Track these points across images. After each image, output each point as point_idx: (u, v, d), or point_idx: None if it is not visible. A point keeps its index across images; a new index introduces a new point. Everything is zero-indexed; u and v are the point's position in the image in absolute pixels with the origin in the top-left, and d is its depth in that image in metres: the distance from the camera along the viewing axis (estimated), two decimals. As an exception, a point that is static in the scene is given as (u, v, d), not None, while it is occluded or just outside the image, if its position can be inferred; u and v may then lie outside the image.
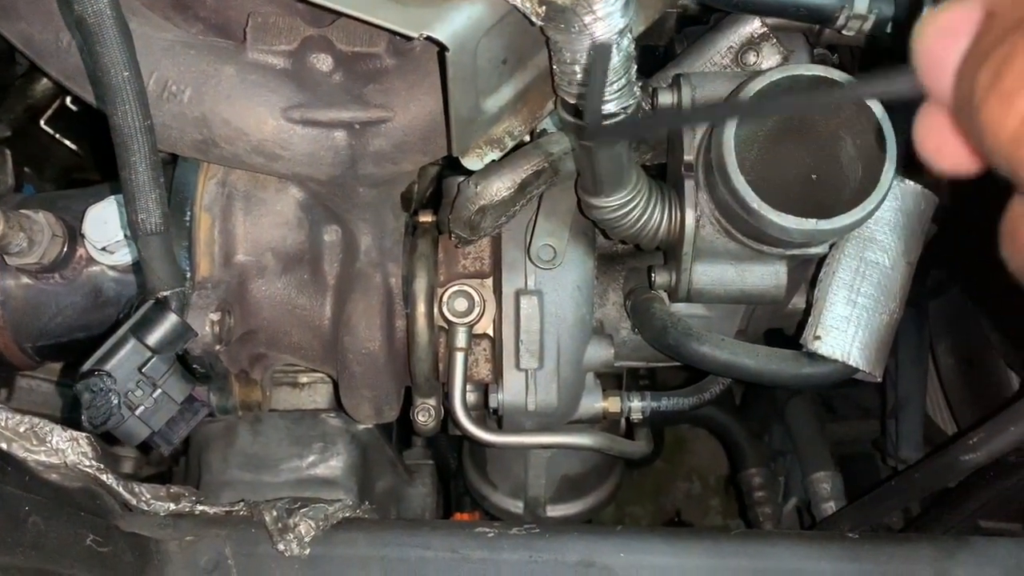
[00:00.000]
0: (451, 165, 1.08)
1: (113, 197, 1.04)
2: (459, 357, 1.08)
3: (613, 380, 1.29)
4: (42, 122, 1.34)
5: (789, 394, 1.63)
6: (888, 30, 0.93)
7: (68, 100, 1.34)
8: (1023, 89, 0.35)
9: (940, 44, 0.39)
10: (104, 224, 1.01)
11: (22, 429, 0.91)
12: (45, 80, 1.28)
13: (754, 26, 1.02)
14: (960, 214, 1.02)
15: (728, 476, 2.53)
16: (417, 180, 1.22)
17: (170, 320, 0.82)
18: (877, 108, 0.88)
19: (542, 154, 1.02)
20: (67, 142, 1.39)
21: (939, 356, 1.45)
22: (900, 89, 0.41)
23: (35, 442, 0.93)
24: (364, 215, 1.06)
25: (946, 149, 0.41)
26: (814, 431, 1.59)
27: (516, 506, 1.40)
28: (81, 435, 0.94)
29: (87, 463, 0.94)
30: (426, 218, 1.17)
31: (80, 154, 1.42)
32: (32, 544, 0.76)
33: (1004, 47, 0.36)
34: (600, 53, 0.68)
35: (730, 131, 0.88)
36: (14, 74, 1.30)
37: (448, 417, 1.18)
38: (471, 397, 1.14)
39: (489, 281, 1.12)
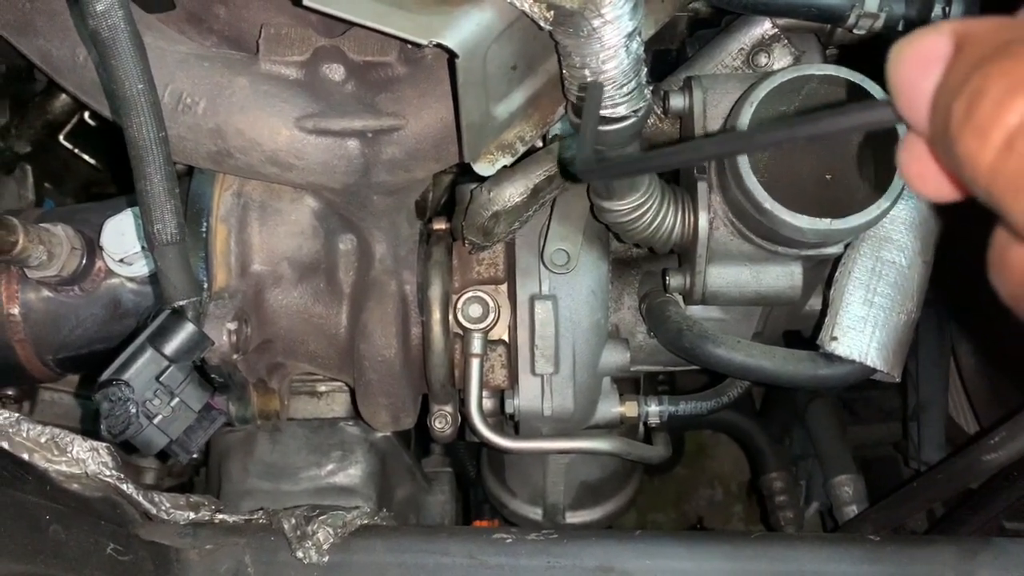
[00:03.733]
0: (465, 172, 1.08)
1: (130, 209, 1.05)
2: (475, 363, 1.08)
3: (631, 385, 1.28)
4: (61, 137, 1.36)
5: (809, 397, 1.62)
6: (900, 28, 0.92)
7: (86, 115, 1.36)
8: (997, 122, 0.34)
9: (913, 74, 0.39)
10: (121, 236, 1.02)
11: (43, 439, 0.92)
12: (63, 96, 1.30)
13: (765, 27, 1.01)
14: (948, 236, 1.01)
15: (749, 482, 2.53)
16: (431, 188, 1.23)
17: (187, 329, 0.83)
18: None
19: (554, 159, 1.02)
20: (86, 157, 1.41)
21: (960, 357, 1.43)
22: (880, 118, 0.41)
23: (56, 452, 0.94)
24: (379, 223, 1.07)
25: (929, 176, 0.41)
26: (835, 434, 1.58)
27: (535, 513, 1.40)
28: (101, 445, 0.95)
29: (107, 472, 0.95)
30: (440, 225, 1.17)
31: (99, 168, 1.44)
32: (53, 552, 0.77)
33: (975, 80, 0.36)
34: (592, 92, 0.68)
35: (742, 131, 0.88)
36: (33, 90, 1.32)
37: (465, 424, 1.19)
38: (487, 403, 1.14)
39: (504, 287, 1.12)
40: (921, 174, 0.42)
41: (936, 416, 1.39)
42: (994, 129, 0.35)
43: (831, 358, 0.97)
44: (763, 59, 1.02)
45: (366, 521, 1.00)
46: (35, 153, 1.33)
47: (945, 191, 0.41)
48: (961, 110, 0.36)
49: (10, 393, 1.38)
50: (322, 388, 1.28)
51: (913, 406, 1.42)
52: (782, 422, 1.75)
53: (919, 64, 0.38)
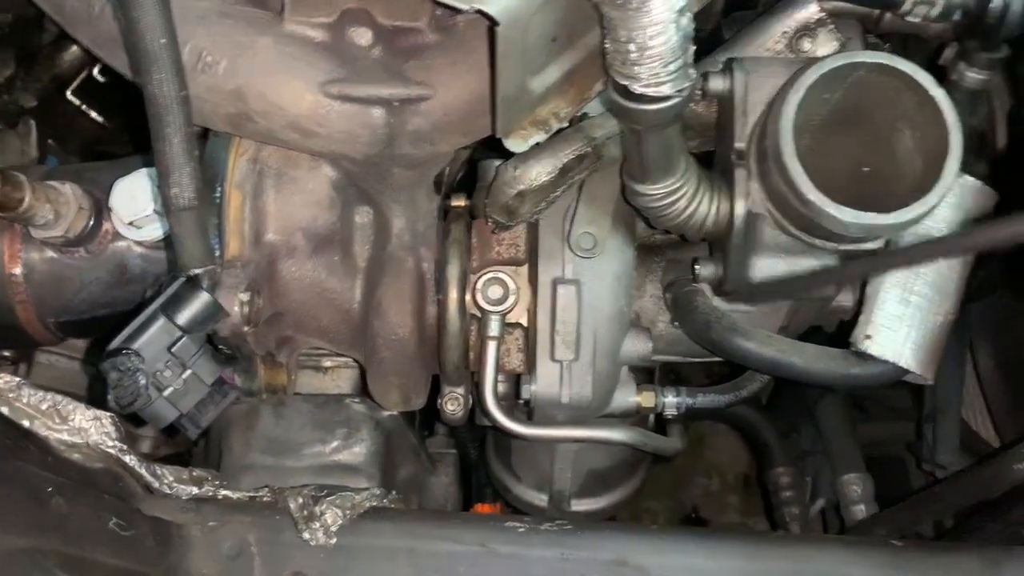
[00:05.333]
0: (484, 147, 1.04)
1: (142, 170, 1.01)
2: (491, 346, 1.05)
3: (645, 374, 1.25)
4: (69, 93, 1.31)
5: (820, 393, 1.59)
6: (957, 17, 0.89)
7: (96, 70, 1.31)
8: None
9: None
10: (132, 198, 0.98)
11: (44, 407, 0.89)
12: (74, 49, 1.25)
13: (811, 11, 0.98)
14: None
15: (746, 473, 2.51)
16: (449, 162, 1.19)
17: (202, 299, 0.79)
18: (943, 101, 0.84)
19: (584, 138, 0.98)
20: (93, 114, 1.36)
21: (979, 359, 1.40)
22: None
23: (57, 420, 0.90)
24: (398, 197, 1.03)
25: None
26: (846, 431, 1.55)
27: (540, 499, 1.37)
28: (104, 414, 0.91)
29: (110, 443, 0.91)
30: (459, 202, 1.13)
31: (106, 126, 1.40)
32: (55, 527, 0.73)
33: None
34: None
35: (788, 117, 0.84)
36: (41, 42, 1.27)
37: (476, 407, 1.15)
38: (500, 387, 1.10)
39: (524, 269, 1.08)
40: None
41: (952, 419, 1.36)
42: None
43: (863, 357, 0.94)
44: (807, 44, 0.98)
45: (375, 503, 0.97)
46: (41, 108, 1.29)
47: None
48: None
49: (6, 355, 1.34)
50: (327, 363, 1.25)
51: (930, 407, 1.39)
52: (790, 416, 1.72)
53: None
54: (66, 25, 0.93)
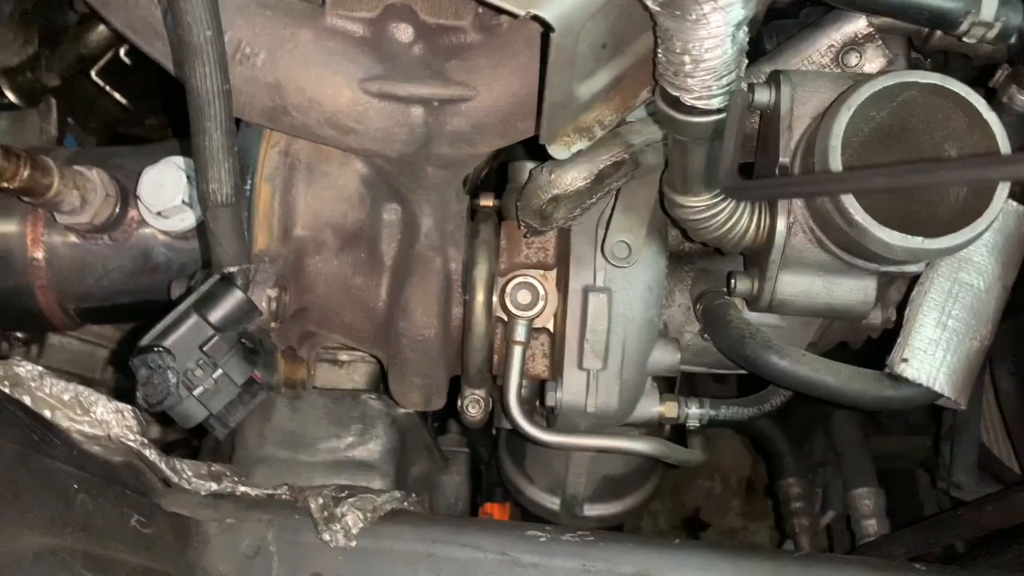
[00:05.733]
0: (524, 147, 1.02)
1: (170, 159, 0.99)
2: (517, 351, 1.04)
3: (665, 384, 1.24)
4: (93, 73, 1.29)
5: (835, 405, 1.58)
6: (1013, 40, 0.87)
7: (123, 52, 1.28)
8: None
9: None
10: (160, 187, 0.96)
11: (66, 397, 0.87)
12: (101, 29, 1.23)
13: (860, 25, 0.96)
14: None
15: (748, 478, 2.51)
16: (479, 161, 1.17)
17: (236, 297, 0.78)
18: (995, 124, 0.83)
19: (622, 145, 0.97)
20: (117, 95, 1.34)
21: (999, 379, 1.39)
22: None
23: (79, 412, 0.88)
24: (428, 196, 1.01)
25: None
26: (859, 445, 1.55)
27: (552, 502, 1.36)
28: (126, 407, 0.90)
29: (131, 437, 0.90)
30: (487, 202, 1.12)
31: (127, 108, 1.37)
32: (81, 525, 0.72)
33: None
34: (736, 101, 0.62)
35: (838, 135, 0.82)
36: (67, 21, 1.24)
37: (495, 411, 1.14)
38: (524, 392, 1.09)
39: (552, 274, 1.07)
40: None
41: (971, 439, 1.35)
42: None
43: (898, 379, 0.93)
44: (854, 59, 0.97)
45: (395, 506, 0.96)
46: (63, 87, 1.26)
47: None
48: None
49: (19, 336, 1.32)
50: (344, 357, 1.23)
51: (948, 426, 1.39)
52: (803, 426, 1.72)
53: None
54: (101, 8, 0.91)
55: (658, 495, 2.50)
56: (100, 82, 1.29)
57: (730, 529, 2.45)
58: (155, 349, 0.75)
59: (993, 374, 1.42)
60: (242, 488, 0.97)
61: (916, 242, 0.81)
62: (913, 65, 1.05)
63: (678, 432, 1.34)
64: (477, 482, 1.67)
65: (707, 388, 1.74)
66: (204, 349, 0.77)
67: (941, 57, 1.10)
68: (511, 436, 1.42)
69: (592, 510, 1.36)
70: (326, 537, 0.91)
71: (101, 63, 1.28)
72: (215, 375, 0.77)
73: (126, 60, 1.28)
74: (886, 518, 1.47)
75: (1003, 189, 0.83)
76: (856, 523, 1.49)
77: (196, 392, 0.77)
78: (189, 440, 1.54)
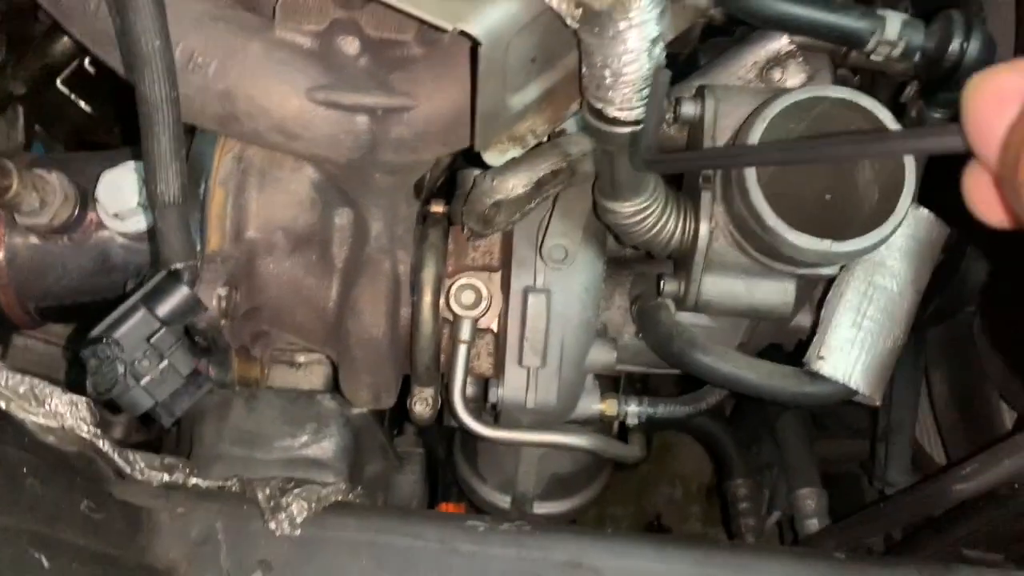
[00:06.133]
0: (465, 156, 1.08)
1: (128, 163, 1.03)
2: (462, 349, 1.08)
3: (610, 383, 1.29)
4: (59, 81, 1.33)
5: (781, 408, 1.64)
6: (916, 59, 0.93)
7: (87, 61, 1.33)
8: None
9: (988, 110, 0.38)
10: (118, 190, 1.01)
11: (21, 390, 0.91)
12: (66, 39, 1.27)
13: (781, 43, 1.02)
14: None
15: (709, 485, 2.56)
16: (430, 169, 1.22)
17: (182, 292, 0.82)
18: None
19: (560, 154, 1.02)
20: (81, 103, 1.38)
21: (933, 384, 1.45)
22: (948, 145, 0.41)
23: (34, 403, 0.92)
24: (378, 201, 1.06)
25: (993, 206, 0.41)
26: (803, 447, 1.60)
27: (504, 500, 1.41)
28: (81, 399, 0.94)
29: (85, 428, 0.93)
30: (438, 208, 1.17)
31: (93, 116, 1.41)
32: (29, 506, 0.76)
33: None
34: (658, 79, 0.67)
35: (753, 144, 0.88)
36: (34, 30, 1.29)
37: (444, 408, 1.19)
38: (469, 390, 1.14)
39: (497, 276, 1.12)
40: (986, 202, 0.41)
41: (904, 440, 1.41)
42: None
43: (815, 376, 0.98)
44: (777, 74, 1.03)
45: (340, 498, 1.00)
46: (29, 95, 1.30)
47: (1010, 222, 0.41)
48: None
49: (-15, 338, 1.36)
50: (301, 359, 1.27)
51: (883, 427, 1.44)
52: (751, 430, 1.77)
53: (994, 100, 0.38)
54: (61, 19, 0.96)
55: (621, 501, 2.56)
56: (65, 90, 1.34)
57: (690, 534, 2.50)
58: (104, 340, 0.79)
59: (928, 379, 1.48)
60: (193, 480, 1.00)
61: (825, 245, 0.87)
62: (841, 81, 1.11)
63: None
64: (435, 483, 1.71)
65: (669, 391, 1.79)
66: (151, 341, 0.81)
67: (869, 74, 1.16)
68: (465, 437, 1.46)
69: (542, 508, 1.40)
70: (272, 526, 0.95)
71: (66, 72, 1.32)
72: (161, 366, 0.81)
73: (90, 69, 1.32)
74: (828, 517, 1.53)
75: (907, 196, 0.88)
76: (800, 522, 1.54)
77: (143, 382, 0.81)
78: (153, 443, 1.57)
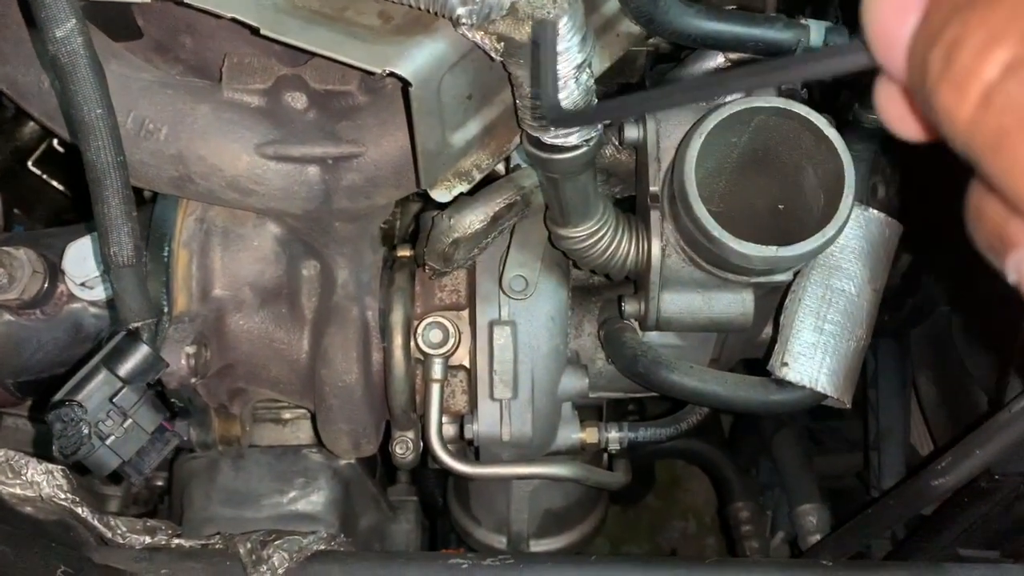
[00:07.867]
0: (432, 201, 1.10)
1: (93, 234, 1.06)
2: (435, 388, 1.09)
3: (594, 412, 1.29)
4: (30, 163, 1.37)
5: (775, 427, 1.64)
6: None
7: (55, 142, 1.37)
8: (975, 76, 0.32)
9: (889, 19, 0.36)
10: (83, 260, 1.03)
11: (-2, 462, 0.92)
12: (32, 123, 1.31)
13: (718, 61, 1.04)
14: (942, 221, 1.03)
15: (717, 510, 2.53)
16: (399, 216, 1.25)
17: (141, 351, 0.84)
18: (836, 139, 0.91)
19: (514, 187, 1.04)
20: (55, 183, 1.41)
21: (920, 386, 1.45)
22: (855, 63, 0.39)
23: (10, 475, 0.94)
24: (341, 249, 1.08)
25: (907, 120, 0.39)
26: (800, 463, 1.59)
27: (500, 541, 1.40)
28: (56, 468, 0.95)
29: (62, 496, 0.95)
30: (404, 252, 1.19)
31: (68, 195, 1.45)
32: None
33: (953, 28, 0.33)
34: (545, 31, 0.67)
35: (691, 161, 0.90)
36: (2, 116, 1.33)
37: (426, 450, 1.19)
38: (451, 429, 1.14)
39: (465, 313, 1.13)
40: (901, 116, 0.39)
41: (895, 445, 1.40)
42: (971, 83, 0.32)
43: (782, 384, 0.98)
44: (717, 92, 1.05)
45: (322, 547, 1.00)
46: (4, 179, 1.34)
47: (928, 134, 0.39)
48: (938, 61, 0.33)
49: (-26, 420, 1.37)
50: (287, 415, 1.29)
51: (874, 435, 1.44)
52: (750, 452, 1.76)
53: (894, 9, 0.36)
54: (19, 100, 0.99)
55: (635, 538, 2.53)
56: (38, 171, 1.37)
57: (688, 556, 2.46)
58: (67, 403, 0.81)
59: (915, 382, 1.48)
60: (176, 540, 1.01)
61: (771, 251, 0.88)
62: (787, 93, 1.13)
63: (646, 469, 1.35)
64: (435, 531, 1.70)
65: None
66: (113, 401, 0.82)
67: (816, 85, 1.19)
68: (458, 481, 1.46)
69: (539, 545, 1.39)
70: (254, 579, 0.95)
71: (36, 154, 1.36)
72: (125, 424, 0.82)
73: (60, 149, 1.36)
74: (831, 532, 1.51)
75: (848, 197, 0.90)
76: (803, 539, 1.52)
77: (108, 441, 0.82)
78: (149, 514, 1.57)
